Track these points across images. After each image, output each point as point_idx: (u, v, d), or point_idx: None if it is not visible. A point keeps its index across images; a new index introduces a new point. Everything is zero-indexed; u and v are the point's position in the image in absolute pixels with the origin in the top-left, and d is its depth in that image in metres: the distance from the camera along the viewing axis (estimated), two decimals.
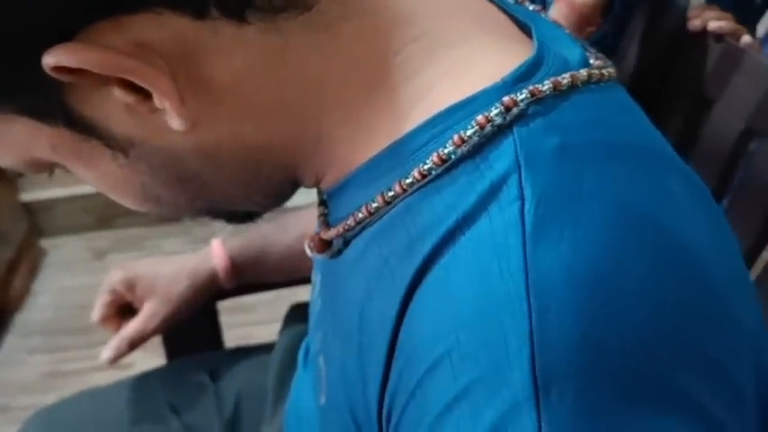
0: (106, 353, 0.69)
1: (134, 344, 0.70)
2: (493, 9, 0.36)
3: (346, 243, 0.36)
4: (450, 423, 0.27)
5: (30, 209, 1.91)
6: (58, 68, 0.28)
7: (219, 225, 0.43)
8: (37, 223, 1.92)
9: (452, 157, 0.30)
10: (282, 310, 0.78)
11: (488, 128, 0.29)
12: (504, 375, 0.26)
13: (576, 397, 0.25)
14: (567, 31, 0.37)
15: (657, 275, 0.27)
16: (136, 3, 0.28)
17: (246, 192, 0.37)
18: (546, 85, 0.30)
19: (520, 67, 0.31)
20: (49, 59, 0.27)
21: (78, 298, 1.66)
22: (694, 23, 0.75)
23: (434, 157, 0.30)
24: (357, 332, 0.33)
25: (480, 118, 0.29)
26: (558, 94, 0.30)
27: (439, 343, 0.27)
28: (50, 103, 0.30)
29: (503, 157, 0.29)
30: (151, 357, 0.82)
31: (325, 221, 0.38)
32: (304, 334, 0.62)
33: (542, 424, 0.25)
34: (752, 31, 1.03)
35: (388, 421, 0.30)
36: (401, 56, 0.32)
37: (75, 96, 0.30)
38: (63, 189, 1.88)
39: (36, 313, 1.70)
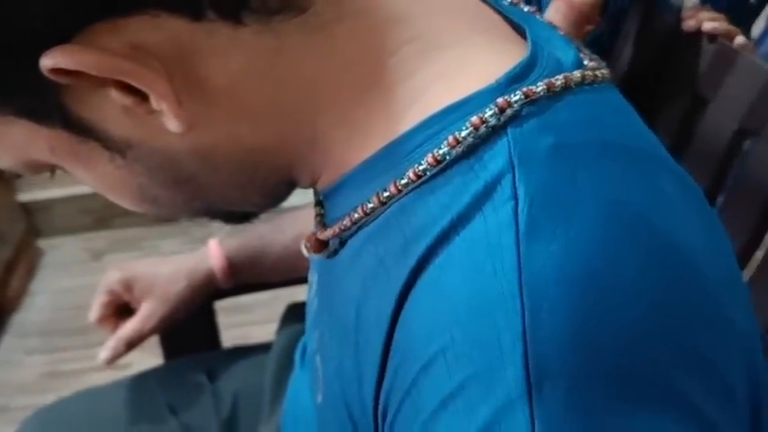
0: (104, 353, 0.69)
1: (131, 344, 0.70)
2: (487, 10, 0.36)
3: (342, 243, 0.36)
4: (444, 420, 0.27)
5: (27, 209, 1.91)
6: (55, 70, 0.28)
7: (217, 225, 0.43)
8: (34, 224, 1.92)
9: (447, 157, 0.30)
10: (280, 310, 0.79)
11: (483, 129, 0.29)
12: (497, 373, 0.26)
13: (569, 394, 0.25)
14: (562, 33, 0.37)
15: (650, 275, 0.28)
16: (130, 5, 0.28)
17: (243, 193, 0.37)
18: (540, 87, 0.30)
19: (514, 68, 0.31)
20: (47, 61, 0.27)
21: (76, 298, 1.66)
22: (689, 24, 0.76)
23: (429, 158, 0.30)
24: (353, 331, 0.33)
25: (475, 119, 0.29)
26: (552, 95, 0.30)
27: (434, 341, 0.28)
28: (48, 104, 0.30)
29: (497, 157, 0.29)
30: (149, 358, 0.82)
31: (322, 222, 0.38)
32: (301, 333, 0.62)
33: (535, 420, 0.25)
34: (746, 33, 1.03)
35: (384, 419, 0.31)
36: (395, 57, 0.32)
37: (72, 98, 0.30)
38: (60, 189, 1.88)
39: (33, 314, 1.70)
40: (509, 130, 0.29)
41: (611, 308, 0.26)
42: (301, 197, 0.46)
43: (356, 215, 0.33)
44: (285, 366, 0.67)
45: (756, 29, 1.26)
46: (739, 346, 0.30)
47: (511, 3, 0.39)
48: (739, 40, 0.76)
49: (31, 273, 1.82)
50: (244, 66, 0.31)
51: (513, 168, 0.28)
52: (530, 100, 0.30)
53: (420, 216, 0.30)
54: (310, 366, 0.46)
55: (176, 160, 0.33)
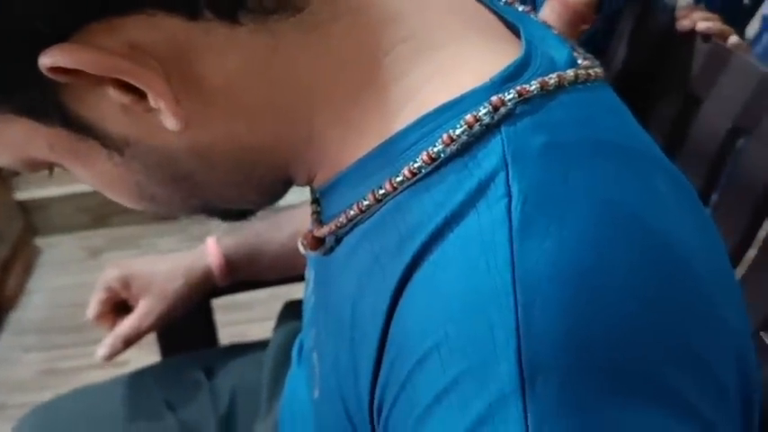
0: (101, 350, 0.69)
1: (129, 341, 0.70)
2: (482, 9, 0.37)
3: (338, 240, 0.36)
4: (438, 414, 0.27)
5: (24, 207, 1.91)
6: (54, 69, 0.28)
7: (215, 224, 0.43)
8: (32, 222, 1.92)
9: (442, 155, 0.30)
10: (277, 308, 0.79)
11: (477, 127, 0.30)
12: (491, 368, 0.26)
13: (561, 388, 0.26)
14: (556, 32, 0.38)
15: (643, 273, 0.28)
16: (127, 4, 0.28)
17: (240, 190, 0.37)
18: (533, 85, 0.30)
19: (508, 67, 0.31)
20: (46, 60, 0.28)
21: (73, 296, 1.66)
22: (683, 24, 0.76)
23: (424, 156, 0.30)
24: (349, 327, 0.33)
25: (469, 117, 0.30)
26: (546, 93, 0.31)
27: (428, 337, 0.28)
28: (47, 103, 0.30)
29: (491, 155, 0.29)
30: (146, 355, 0.82)
31: (318, 219, 0.38)
32: (298, 331, 0.62)
33: (528, 415, 0.25)
34: (740, 33, 1.03)
35: (379, 413, 0.31)
36: (390, 56, 0.32)
37: (71, 96, 0.30)
38: (58, 188, 1.88)
39: (31, 311, 1.70)
40: (503, 129, 0.30)
41: (604, 304, 0.27)
42: (298, 195, 0.46)
43: (352, 212, 0.33)
44: (282, 363, 0.68)
45: (751, 30, 1.26)
46: (732, 345, 0.30)
47: (505, 2, 0.39)
48: (733, 39, 0.77)
49: (28, 271, 1.82)
50: (240, 65, 0.31)
51: (506, 166, 0.29)
52: (523, 98, 0.30)
53: (415, 213, 0.30)
54: (307, 363, 0.47)
55: (173, 158, 0.34)
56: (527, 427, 0.25)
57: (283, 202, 0.41)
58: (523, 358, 0.26)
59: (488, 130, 0.30)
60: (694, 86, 0.72)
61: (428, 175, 0.31)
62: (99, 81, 0.29)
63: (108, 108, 0.31)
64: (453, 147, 0.30)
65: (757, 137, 0.62)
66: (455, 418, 0.27)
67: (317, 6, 0.31)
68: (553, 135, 0.30)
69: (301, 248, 0.40)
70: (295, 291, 0.69)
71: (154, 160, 0.34)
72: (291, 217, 0.72)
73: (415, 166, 0.31)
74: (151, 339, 0.76)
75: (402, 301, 0.30)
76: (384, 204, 0.32)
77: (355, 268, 0.33)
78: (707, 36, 0.74)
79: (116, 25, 0.28)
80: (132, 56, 0.29)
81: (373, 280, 0.32)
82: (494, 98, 0.30)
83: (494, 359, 0.26)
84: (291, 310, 0.76)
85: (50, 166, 0.36)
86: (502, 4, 0.39)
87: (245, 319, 1.38)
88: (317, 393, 0.41)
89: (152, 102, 0.30)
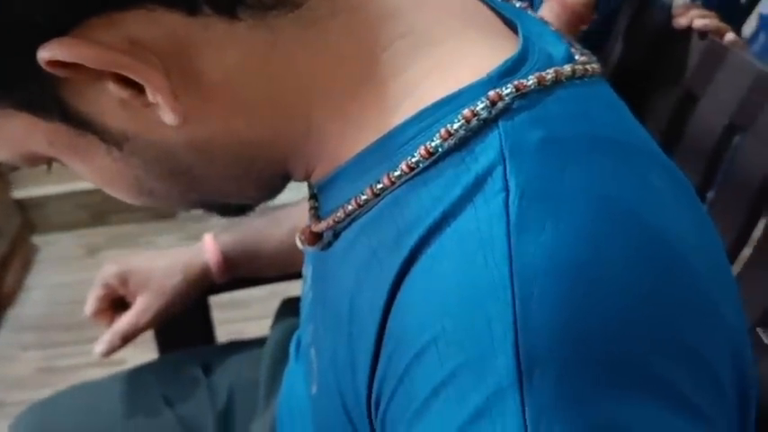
0: (99, 347, 0.69)
1: (127, 338, 0.70)
2: (479, 5, 0.37)
3: (336, 235, 0.36)
4: (436, 407, 0.27)
5: (22, 205, 1.91)
6: (53, 63, 0.28)
7: (213, 221, 0.43)
8: (30, 219, 1.92)
9: (439, 150, 0.30)
10: (275, 306, 0.78)
11: (474, 122, 0.30)
12: (488, 361, 0.26)
13: (559, 381, 0.26)
14: (554, 29, 0.38)
15: (639, 267, 0.28)
16: (126, 0, 0.28)
17: (238, 185, 0.38)
18: (530, 80, 0.30)
19: (505, 62, 0.31)
20: (45, 54, 0.28)
21: (71, 294, 1.66)
22: (680, 21, 0.76)
23: (422, 151, 0.30)
24: (347, 321, 0.33)
25: (467, 112, 0.30)
26: (543, 88, 0.31)
27: (426, 330, 0.28)
28: (46, 97, 0.30)
29: (488, 149, 0.29)
30: (143, 353, 0.82)
31: (316, 214, 0.38)
32: (295, 327, 0.62)
33: (526, 408, 0.26)
34: (737, 32, 1.04)
35: (377, 408, 0.31)
36: (388, 52, 0.33)
37: (70, 91, 0.30)
38: (56, 186, 1.88)
39: (29, 309, 1.70)
40: (500, 123, 0.30)
41: (601, 297, 0.27)
42: (295, 193, 0.46)
43: (350, 207, 0.34)
44: (280, 360, 0.68)
45: (747, 28, 1.26)
46: (728, 341, 0.30)
47: None
48: (729, 37, 0.77)
49: (26, 268, 1.82)
50: (239, 60, 0.31)
51: (504, 160, 0.29)
52: (521, 93, 0.30)
53: (412, 208, 0.30)
54: (305, 359, 0.47)
55: (172, 153, 0.34)
56: (524, 420, 0.26)
57: (280, 201, 0.41)
58: (521, 351, 0.26)
59: (486, 124, 0.30)
60: (691, 84, 0.73)
61: (426, 169, 0.31)
62: (98, 76, 0.29)
63: (107, 103, 0.31)
64: (451, 141, 0.30)
65: (753, 134, 0.62)
66: (452, 412, 0.27)
67: (315, 2, 0.31)
68: (550, 130, 0.30)
69: (299, 244, 0.40)
70: (293, 289, 0.69)
71: (152, 155, 0.34)
72: (290, 214, 0.72)
73: (413, 160, 0.31)
74: (148, 337, 0.76)
75: (400, 296, 0.30)
76: (382, 199, 0.32)
77: (353, 263, 0.34)
78: (703, 33, 0.74)
79: (116, 20, 0.28)
80: (132, 51, 0.29)
81: (371, 274, 0.32)
82: (491, 93, 0.30)
83: (491, 352, 0.26)
84: (289, 308, 0.76)
85: (49, 162, 0.36)
86: (499, 0, 0.39)
87: (242, 317, 1.38)
88: (314, 389, 0.41)
89: (151, 96, 0.30)
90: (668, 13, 0.78)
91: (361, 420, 0.33)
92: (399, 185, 0.31)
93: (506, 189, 0.28)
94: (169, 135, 0.33)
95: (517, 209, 0.28)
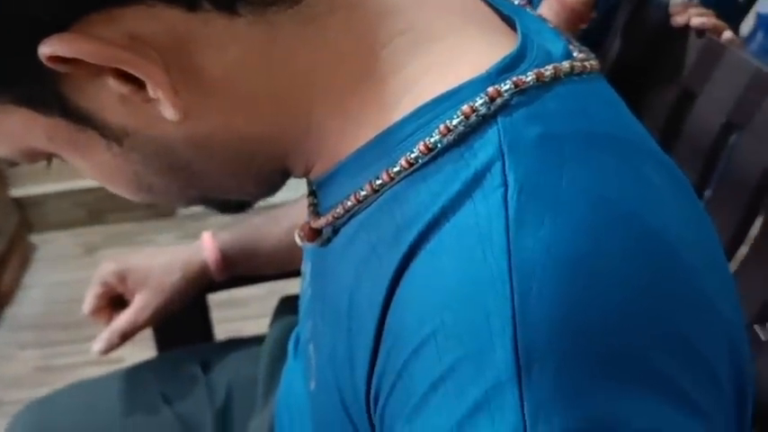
0: (97, 345, 0.69)
1: (125, 336, 0.70)
2: (478, 2, 0.37)
3: (335, 231, 0.36)
4: (434, 402, 0.27)
5: (20, 204, 1.90)
6: (53, 58, 0.28)
7: (212, 220, 0.43)
8: (27, 218, 1.92)
9: (438, 145, 0.30)
10: (273, 305, 0.78)
11: (473, 117, 0.30)
12: (487, 355, 0.26)
13: (557, 375, 0.26)
14: (552, 26, 0.38)
15: (637, 261, 0.28)
16: None
17: (238, 181, 0.38)
18: (529, 77, 0.31)
19: (504, 58, 0.31)
20: (45, 49, 0.28)
21: (69, 292, 1.66)
22: (677, 19, 0.77)
23: (421, 146, 0.30)
24: (346, 317, 0.33)
25: (466, 108, 0.30)
26: (541, 85, 0.31)
27: (425, 325, 0.28)
28: (47, 93, 0.30)
29: (487, 145, 0.29)
30: (141, 351, 0.82)
31: (315, 211, 0.38)
32: (294, 325, 0.62)
33: (524, 402, 0.26)
34: (735, 31, 1.04)
35: (376, 403, 0.31)
36: (388, 49, 0.33)
37: (70, 87, 0.31)
38: (54, 185, 1.88)
39: (27, 307, 1.70)
40: (499, 119, 0.30)
41: (599, 292, 0.27)
42: (293, 193, 0.46)
43: (349, 203, 0.34)
44: (278, 358, 0.68)
45: (745, 27, 1.27)
46: (725, 336, 0.30)
47: None
48: (727, 35, 0.77)
49: (23, 267, 1.82)
50: (239, 56, 0.31)
51: (502, 156, 0.29)
52: (519, 89, 0.30)
53: (412, 203, 0.31)
54: (303, 356, 0.47)
55: (171, 148, 0.34)
56: (523, 414, 0.26)
57: (278, 199, 0.41)
58: (519, 346, 0.26)
59: (485, 120, 0.30)
60: (688, 81, 0.73)
61: (425, 165, 0.31)
62: (98, 71, 0.29)
63: (107, 98, 0.31)
64: (450, 137, 0.30)
65: (750, 132, 0.63)
66: (451, 406, 0.27)
67: None
68: (548, 126, 0.30)
69: (298, 240, 0.40)
70: (291, 287, 0.69)
71: (152, 150, 0.34)
72: (288, 212, 0.72)
73: (412, 156, 0.31)
74: (146, 336, 0.76)
75: (399, 291, 0.30)
76: (381, 195, 0.32)
77: (352, 258, 0.34)
78: (701, 31, 0.74)
79: (116, 16, 0.28)
80: (132, 46, 0.29)
81: (370, 270, 0.32)
82: (490, 89, 0.30)
83: (490, 347, 0.26)
84: (287, 305, 0.76)
85: (49, 158, 0.36)
86: None
87: (240, 315, 1.38)
88: (313, 385, 0.41)
89: (151, 92, 0.30)
90: (666, 11, 0.79)
91: (360, 416, 0.33)
92: (398, 181, 0.32)
93: (505, 184, 0.28)
94: (169, 130, 0.33)
95: (516, 204, 0.28)
